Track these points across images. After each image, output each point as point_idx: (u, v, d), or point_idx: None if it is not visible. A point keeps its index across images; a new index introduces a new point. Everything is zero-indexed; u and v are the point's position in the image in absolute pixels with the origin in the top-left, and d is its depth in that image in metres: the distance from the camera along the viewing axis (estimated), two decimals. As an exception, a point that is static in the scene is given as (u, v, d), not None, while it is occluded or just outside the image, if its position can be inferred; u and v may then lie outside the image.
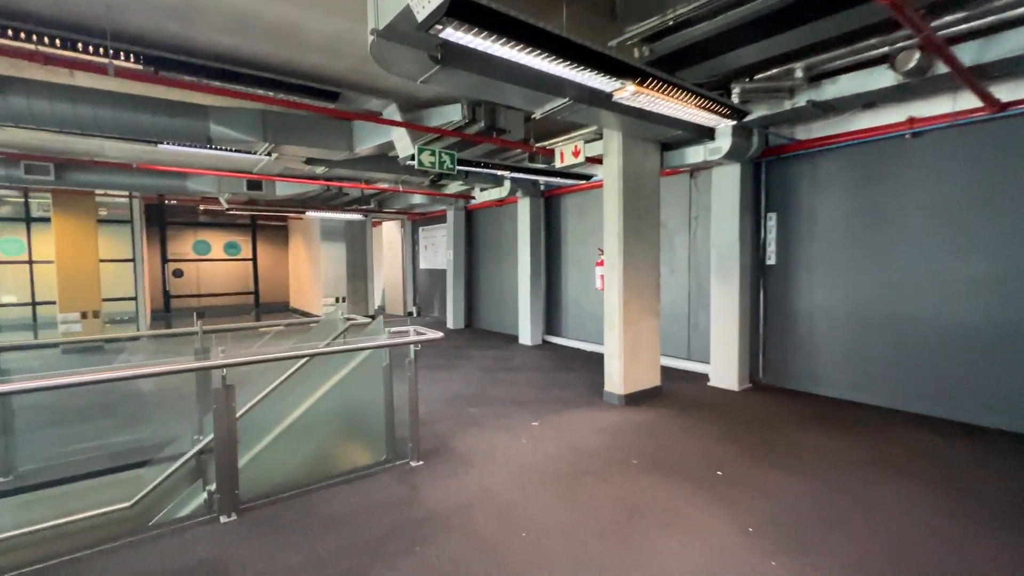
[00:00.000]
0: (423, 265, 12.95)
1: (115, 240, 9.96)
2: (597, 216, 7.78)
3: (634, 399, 5.13)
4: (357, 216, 10.87)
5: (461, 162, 5.57)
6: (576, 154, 5.29)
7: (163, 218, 10.57)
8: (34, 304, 9.00)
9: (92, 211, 8.83)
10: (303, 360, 3.65)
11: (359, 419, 3.81)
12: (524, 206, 8.53)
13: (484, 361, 7.29)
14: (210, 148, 5.53)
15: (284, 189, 8.86)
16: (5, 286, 8.98)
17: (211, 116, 4.66)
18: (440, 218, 11.72)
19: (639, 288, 5.16)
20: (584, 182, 7.63)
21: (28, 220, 8.97)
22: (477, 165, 5.66)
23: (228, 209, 10.12)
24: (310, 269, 11.96)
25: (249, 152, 5.53)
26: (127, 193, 9.51)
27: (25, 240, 9.01)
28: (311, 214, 10.35)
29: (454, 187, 9.54)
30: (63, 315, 8.45)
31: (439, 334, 3.65)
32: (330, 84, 4.50)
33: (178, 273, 11.95)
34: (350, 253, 11.86)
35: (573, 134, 5.92)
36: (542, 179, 7.22)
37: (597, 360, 7.13)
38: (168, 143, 5.49)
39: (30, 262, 9.03)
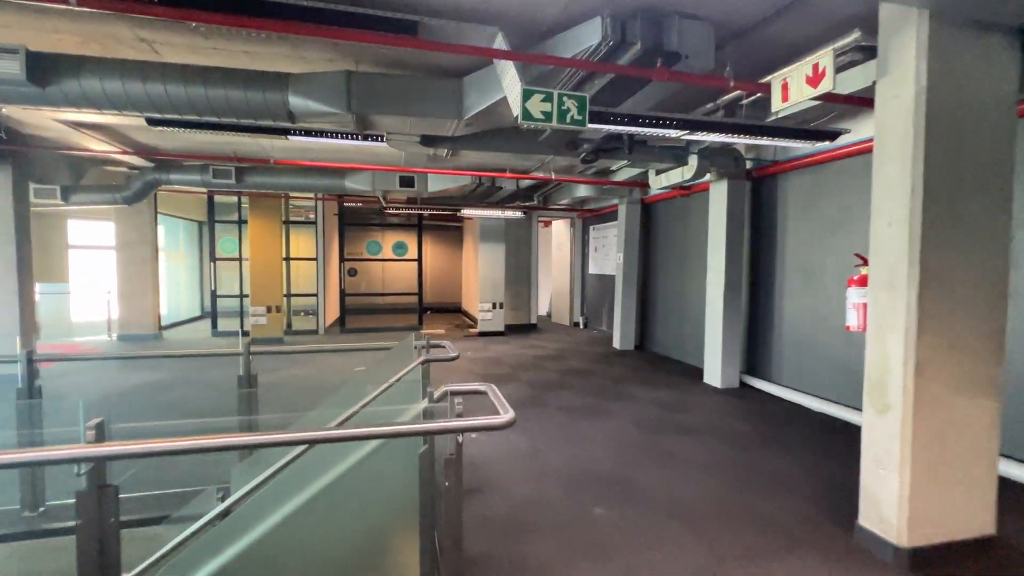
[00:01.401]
0: (592, 269, 11.20)
1: (306, 240, 10.75)
2: (843, 201, 4.94)
3: (931, 559, 2.54)
4: (517, 214, 9.70)
5: (613, 119, 3.65)
6: (814, 81, 2.89)
7: (342, 218, 11.08)
8: (241, 296, 10.15)
9: (278, 213, 9.49)
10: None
11: (375, 537, 2.31)
12: (719, 192, 6.06)
13: (647, 409, 5.20)
14: (315, 136, 4.88)
15: (436, 184, 8.12)
16: (223, 279, 10.32)
17: (290, 86, 3.76)
18: (612, 215, 9.81)
19: (956, 336, 2.54)
20: (825, 147, 4.91)
21: (240, 223, 10.13)
22: (636, 122, 3.66)
23: (386, 208, 9.99)
24: (474, 272, 11.34)
25: (345, 134, 4.62)
26: (313, 195, 10.08)
27: (237, 240, 10.22)
28: (467, 212, 9.54)
29: (624, 172, 7.54)
30: (253, 308, 9.23)
31: (506, 416, 1.89)
32: (401, 10, 3.14)
33: (352, 272, 12.58)
34: (510, 255, 10.82)
35: (808, 57, 3.45)
36: (743, 143, 4.80)
37: (835, 431, 4.39)
38: (295, 133, 5.08)
39: (240, 259, 10.20)
